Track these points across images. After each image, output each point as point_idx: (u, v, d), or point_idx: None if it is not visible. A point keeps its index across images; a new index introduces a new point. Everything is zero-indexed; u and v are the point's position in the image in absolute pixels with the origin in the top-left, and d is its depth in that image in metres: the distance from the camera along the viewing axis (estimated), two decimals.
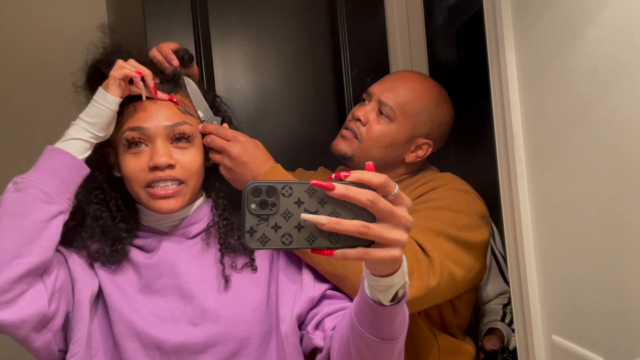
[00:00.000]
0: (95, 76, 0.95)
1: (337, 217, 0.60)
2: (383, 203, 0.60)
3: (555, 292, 0.96)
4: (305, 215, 0.59)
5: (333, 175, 0.61)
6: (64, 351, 0.88)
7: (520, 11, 0.96)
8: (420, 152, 1.18)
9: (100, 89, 0.90)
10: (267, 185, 0.60)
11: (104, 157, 0.96)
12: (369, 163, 0.63)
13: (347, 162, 1.19)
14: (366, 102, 1.20)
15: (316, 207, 0.60)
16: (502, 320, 1.34)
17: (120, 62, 0.91)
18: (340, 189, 0.59)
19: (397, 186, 0.62)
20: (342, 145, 1.18)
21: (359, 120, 1.17)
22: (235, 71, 1.95)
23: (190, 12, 1.86)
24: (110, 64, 0.93)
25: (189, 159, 0.92)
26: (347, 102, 1.96)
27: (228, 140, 0.96)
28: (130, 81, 0.92)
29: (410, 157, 1.18)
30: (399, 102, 1.15)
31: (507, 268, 1.31)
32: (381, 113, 1.16)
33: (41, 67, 1.58)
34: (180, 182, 0.91)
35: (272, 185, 0.60)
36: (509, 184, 1.02)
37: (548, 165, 0.94)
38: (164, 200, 0.90)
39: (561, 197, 0.92)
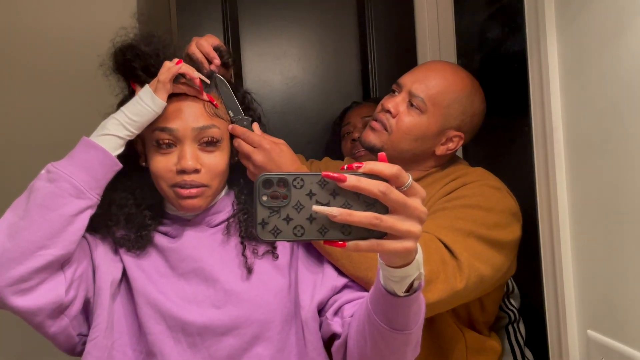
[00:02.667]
0: (129, 63, 0.94)
1: (349, 208, 0.59)
2: (395, 194, 0.59)
3: (592, 287, 0.94)
4: (316, 207, 0.59)
5: (345, 167, 0.60)
6: (85, 335, 0.90)
7: (564, 0, 0.94)
8: (451, 145, 1.16)
9: (148, 89, 0.90)
10: (278, 177, 0.59)
11: (131, 146, 0.97)
12: (382, 154, 0.62)
13: (376, 155, 1.18)
14: (396, 93, 1.18)
15: (328, 198, 0.60)
16: (509, 339, 1.31)
17: (167, 64, 0.90)
18: (351, 180, 0.58)
19: (410, 177, 0.61)
20: (371, 137, 1.17)
21: (388, 111, 1.15)
22: (263, 63, 1.95)
23: (220, 6, 1.87)
24: (145, 55, 0.93)
25: (214, 162, 0.93)
26: (373, 93, 1.95)
27: (254, 147, 0.96)
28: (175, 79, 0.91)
29: (440, 150, 1.16)
30: (430, 94, 1.13)
31: None
32: (412, 105, 1.14)
33: (71, 61, 1.60)
34: (204, 185, 0.92)
35: (283, 177, 0.59)
36: (546, 177, 1.00)
37: (588, 158, 0.93)
38: (189, 200, 0.92)
39: (601, 192, 0.90)
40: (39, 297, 0.83)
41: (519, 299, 1.38)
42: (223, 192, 1.00)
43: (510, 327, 1.34)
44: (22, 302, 0.82)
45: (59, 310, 0.86)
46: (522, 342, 1.34)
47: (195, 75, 0.91)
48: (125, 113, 0.90)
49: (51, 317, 0.85)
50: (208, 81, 0.95)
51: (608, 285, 0.91)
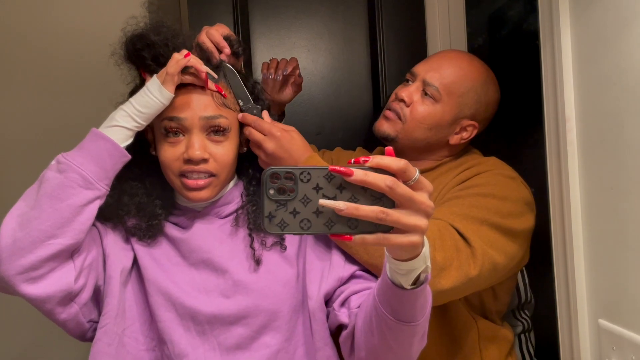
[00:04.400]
0: (139, 53, 0.95)
1: (355, 202, 0.60)
2: (402, 189, 0.60)
3: (604, 276, 0.95)
4: (323, 201, 0.59)
5: (352, 160, 0.61)
6: (96, 321, 0.92)
7: None
8: (464, 134, 1.16)
9: (156, 80, 0.90)
10: (285, 171, 0.60)
11: (141, 135, 0.97)
12: (389, 148, 0.63)
13: (390, 144, 1.18)
14: (410, 82, 1.18)
15: (334, 192, 0.60)
16: (520, 347, 1.31)
17: (175, 57, 0.91)
18: (358, 174, 0.59)
19: (417, 171, 0.61)
20: (385, 127, 1.17)
21: (402, 100, 1.16)
22: (273, 54, 1.95)
23: None
24: (154, 45, 0.93)
25: (222, 152, 0.93)
26: (382, 84, 1.95)
27: (265, 135, 0.96)
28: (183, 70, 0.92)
29: (454, 139, 1.16)
30: (444, 83, 1.13)
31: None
32: (426, 94, 1.14)
33: (82, 50, 1.61)
34: (212, 174, 0.93)
35: (290, 170, 0.60)
36: (558, 167, 1.00)
37: (601, 148, 0.93)
38: (196, 192, 0.92)
39: (614, 182, 0.90)
40: (49, 285, 0.84)
41: (533, 310, 1.39)
42: (232, 183, 1.01)
43: (522, 336, 1.34)
44: (32, 289, 0.83)
45: (69, 297, 0.87)
46: (532, 352, 1.34)
47: (203, 68, 0.91)
48: (133, 104, 0.91)
49: (61, 305, 0.87)
50: (215, 75, 0.95)
51: (620, 274, 0.91)
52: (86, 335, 0.94)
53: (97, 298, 0.93)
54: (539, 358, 1.36)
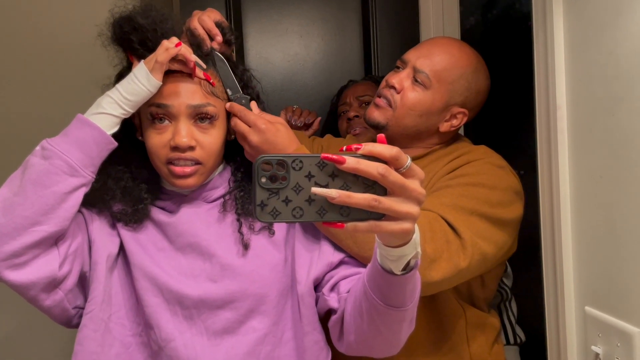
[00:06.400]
0: (127, 36, 0.93)
1: (347, 190, 0.60)
2: (394, 176, 0.60)
3: (591, 263, 0.95)
4: (315, 189, 0.59)
5: (344, 148, 0.61)
6: (82, 308, 0.92)
7: None
8: (455, 122, 1.16)
9: (143, 67, 0.89)
10: (277, 159, 0.59)
11: (127, 119, 0.96)
12: (381, 135, 0.62)
13: (381, 132, 1.17)
14: (400, 69, 1.17)
15: (327, 180, 0.60)
16: (500, 318, 1.32)
17: (165, 44, 0.90)
18: (350, 162, 0.59)
19: (409, 158, 0.61)
20: (375, 114, 1.16)
21: (393, 87, 1.15)
22: (265, 40, 1.94)
23: None
24: (142, 28, 0.92)
25: (209, 140, 0.93)
26: (375, 71, 1.94)
27: (250, 126, 0.95)
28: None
29: (444, 127, 1.16)
30: (434, 69, 1.12)
31: None
32: (416, 80, 1.13)
33: (69, 32, 1.58)
34: (199, 162, 0.92)
35: (282, 159, 0.59)
36: (548, 155, 1.01)
37: (591, 136, 0.93)
38: (182, 180, 0.92)
39: (603, 170, 0.90)
40: (32, 272, 0.84)
41: (512, 278, 1.40)
42: (220, 168, 1.00)
43: (502, 305, 1.36)
44: (16, 276, 0.83)
45: (53, 284, 0.86)
46: (513, 320, 1.36)
47: (192, 58, 0.90)
48: (120, 91, 0.89)
49: (45, 291, 0.86)
50: (204, 65, 0.93)
51: (607, 262, 0.91)
52: (72, 322, 0.93)
53: (83, 284, 0.92)
54: (521, 325, 1.37)
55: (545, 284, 1.05)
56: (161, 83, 0.90)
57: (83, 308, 0.92)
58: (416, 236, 0.68)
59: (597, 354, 0.93)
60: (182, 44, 0.91)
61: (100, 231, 0.94)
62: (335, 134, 1.60)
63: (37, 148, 0.87)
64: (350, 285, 0.90)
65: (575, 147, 0.97)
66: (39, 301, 0.87)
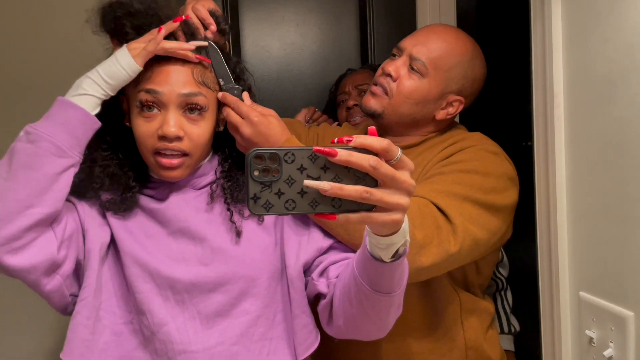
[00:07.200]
0: (120, 21, 0.93)
1: (339, 182, 0.61)
2: (385, 168, 0.61)
3: (586, 249, 0.96)
4: (307, 182, 0.60)
5: (335, 140, 0.62)
6: (77, 295, 0.92)
7: None
8: (450, 110, 1.16)
9: (125, 51, 0.89)
10: (269, 152, 0.60)
11: (116, 105, 0.96)
12: (371, 128, 0.63)
13: (377, 119, 1.17)
14: (396, 56, 1.17)
15: (319, 172, 0.61)
16: (496, 308, 1.33)
17: (154, 33, 0.90)
18: (342, 155, 0.60)
19: (399, 150, 0.63)
20: (371, 102, 1.16)
21: (389, 75, 1.15)
22: (261, 29, 1.93)
23: None
24: (138, 14, 0.92)
25: (198, 132, 0.92)
26: (371, 59, 1.93)
27: (242, 118, 0.95)
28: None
29: (440, 115, 1.16)
30: (431, 57, 1.12)
31: None
32: (412, 68, 1.13)
33: (57, 16, 1.56)
34: (185, 153, 0.92)
35: (274, 152, 0.60)
36: (545, 141, 1.01)
37: (588, 123, 0.93)
38: (169, 171, 0.92)
39: (599, 157, 0.91)
40: (32, 255, 0.84)
41: (508, 268, 1.41)
42: (209, 157, 1.00)
43: (497, 295, 1.37)
44: (16, 260, 0.83)
45: (53, 268, 0.87)
46: (508, 310, 1.37)
47: (181, 53, 0.91)
48: (100, 73, 0.90)
49: (46, 275, 0.87)
50: (194, 59, 0.93)
51: (601, 248, 0.92)
52: (68, 309, 0.94)
53: (78, 273, 0.93)
54: (516, 316, 1.38)
55: (540, 269, 1.06)
56: (142, 69, 0.90)
57: (77, 296, 0.92)
58: (405, 225, 0.69)
59: (591, 338, 0.94)
60: (179, 24, 0.91)
61: (92, 221, 0.94)
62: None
63: (21, 134, 0.87)
64: (339, 271, 0.91)
65: (572, 134, 0.97)
66: (40, 286, 0.87)
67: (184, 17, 0.95)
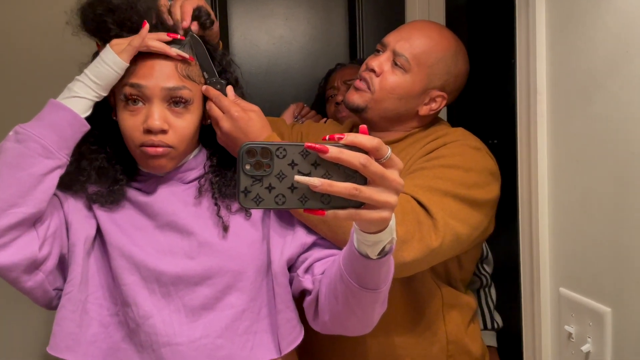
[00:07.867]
0: (101, 18, 0.92)
1: (329, 178, 0.62)
2: (374, 167, 0.62)
3: (567, 245, 0.97)
4: (298, 177, 0.61)
5: (327, 137, 0.62)
6: (61, 289, 0.92)
7: None
8: (434, 105, 1.16)
9: (109, 49, 0.89)
10: (261, 147, 0.61)
11: (104, 99, 0.95)
12: (363, 126, 0.65)
13: (360, 115, 1.18)
14: (380, 52, 1.17)
15: (309, 168, 0.62)
16: (479, 303, 1.34)
17: (142, 30, 0.90)
18: (333, 152, 0.61)
19: (389, 149, 0.64)
20: (354, 98, 1.16)
21: (372, 70, 1.15)
22: (250, 22, 1.92)
23: None
24: (118, 9, 0.91)
25: (183, 125, 0.93)
26: (360, 54, 1.93)
27: (223, 113, 0.95)
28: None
29: (423, 110, 1.16)
30: (414, 53, 1.12)
31: None
32: (396, 64, 1.13)
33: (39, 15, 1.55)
34: (170, 147, 0.92)
35: (266, 147, 0.61)
36: (527, 138, 1.02)
37: (570, 121, 0.94)
38: (155, 160, 0.92)
39: (580, 155, 0.92)
40: (13, 254, 0.84)
41: (492, 265, 1.41)
42: (196, 150, 1.00)
43: (481, 291, 1.38)
44: None
45: (34, 266, 0.87)
46: (492, 306, 1.38)
47: (172, 52, 0.91)
48: (88, 75, 0.90)
49: (26, 273, 0.87)
50: (174, 55, 0.92)
51: (583, 244, 0.93)
52: (52, 304, 0.94)
53: (62, 266, 0.93)
54: (500, 312, 1.39)
55: (522, 265, 1.07)
56: (128, 64, 0.90)
57: (62, 290, 0.92)
58: (392, 223, 0.70)
59: (570, 333, 0.95)
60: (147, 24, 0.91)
61: (77, 214, 0.94)
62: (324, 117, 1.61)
63: (10, 133, 0.88)
64: (324, 267, 0.92)
65: (554, 131, 0.98)
66: (21, 283, 0.87)
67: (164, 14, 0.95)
